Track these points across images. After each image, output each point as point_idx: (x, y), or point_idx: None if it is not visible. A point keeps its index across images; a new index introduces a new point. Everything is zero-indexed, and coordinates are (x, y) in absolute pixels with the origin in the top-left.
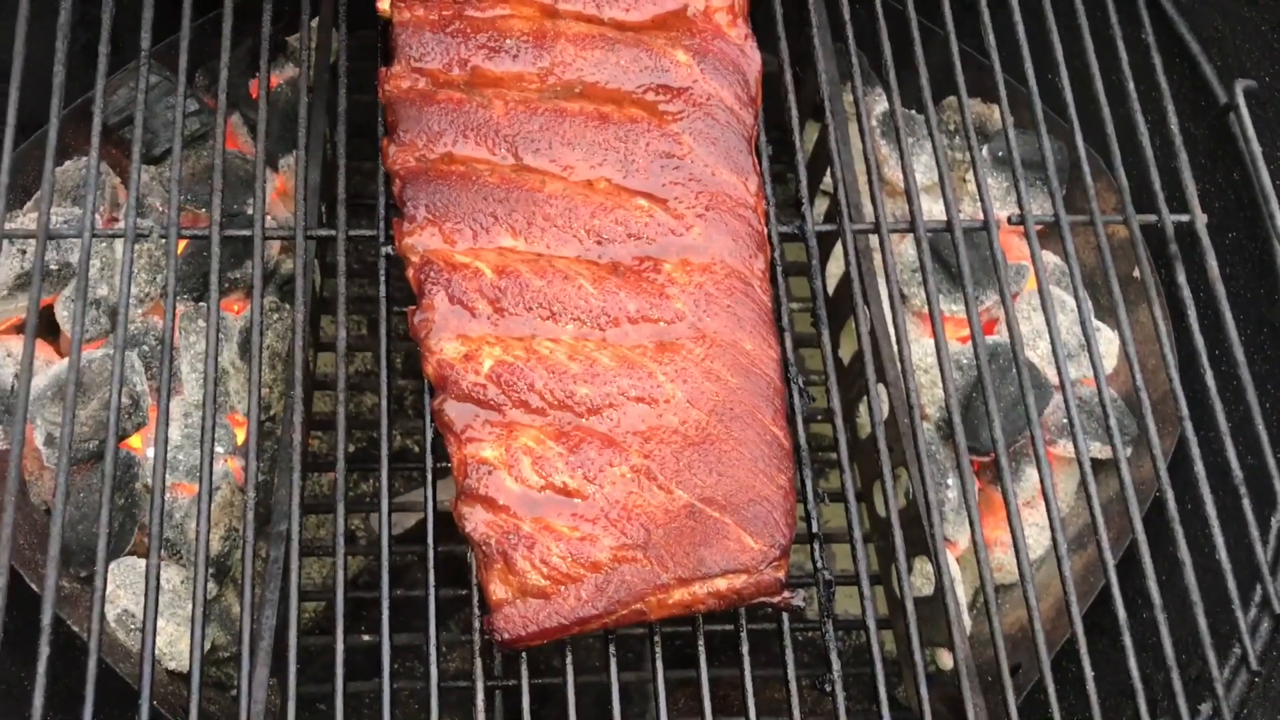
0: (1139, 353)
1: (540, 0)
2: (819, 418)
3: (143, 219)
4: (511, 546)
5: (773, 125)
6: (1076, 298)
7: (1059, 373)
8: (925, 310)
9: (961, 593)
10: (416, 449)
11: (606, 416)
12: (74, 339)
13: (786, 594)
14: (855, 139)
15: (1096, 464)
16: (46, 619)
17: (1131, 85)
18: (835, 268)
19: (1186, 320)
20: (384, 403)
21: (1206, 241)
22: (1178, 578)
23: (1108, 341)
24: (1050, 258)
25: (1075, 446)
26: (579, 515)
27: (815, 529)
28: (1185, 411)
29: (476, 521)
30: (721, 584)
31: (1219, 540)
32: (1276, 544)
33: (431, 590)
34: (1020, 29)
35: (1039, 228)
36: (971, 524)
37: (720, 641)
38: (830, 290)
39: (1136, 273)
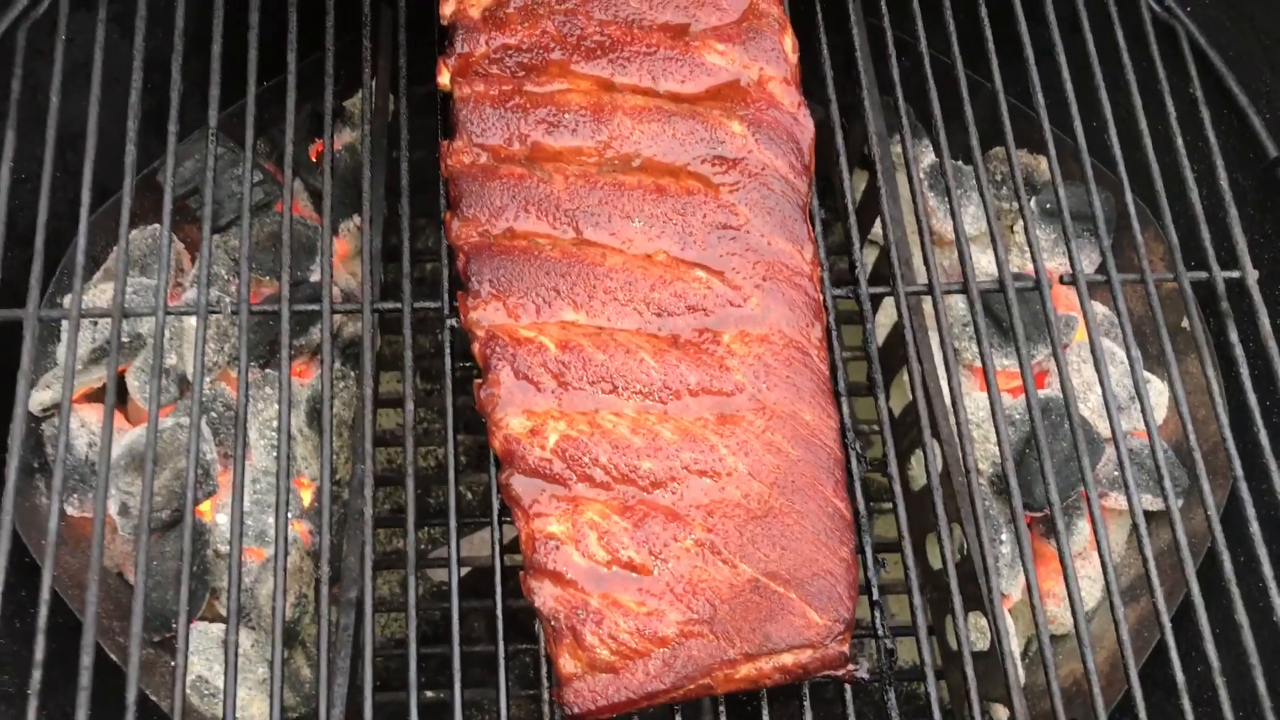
0: (1190, 404)
1: (597, 75)
2: (870, 468)
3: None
4: (580, 622)
5: (819, 174)
6: (1129, 356)
7: (1111, 426)
8: (977, 364)
9: (1016, 646)
10: (469, 495)
11: (670, 490)
12: (150, 414)
13: (851, 667)
14: (903, 190)
15: (1147, 515)
16: (132, 696)
17: (1180, 139)
18: (884, 317)
19: (1237, 374)
20: (451, 472)
21: (1258, 297)
22: (1234, 633)
23: (1158, 394)
24: (1099, 308)
25: (1129, 502)
26: (645, 590)
27: (875, 596)
28: (1239, 467)
29: (545, 596)
30: (787, 659)
31: (1276, 600)
32: None
33: (501, 647)
34: (1068, 84)
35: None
36: (1029, 587)
37: (785, 696)
38: (880, 340)
39: (1185, 323)
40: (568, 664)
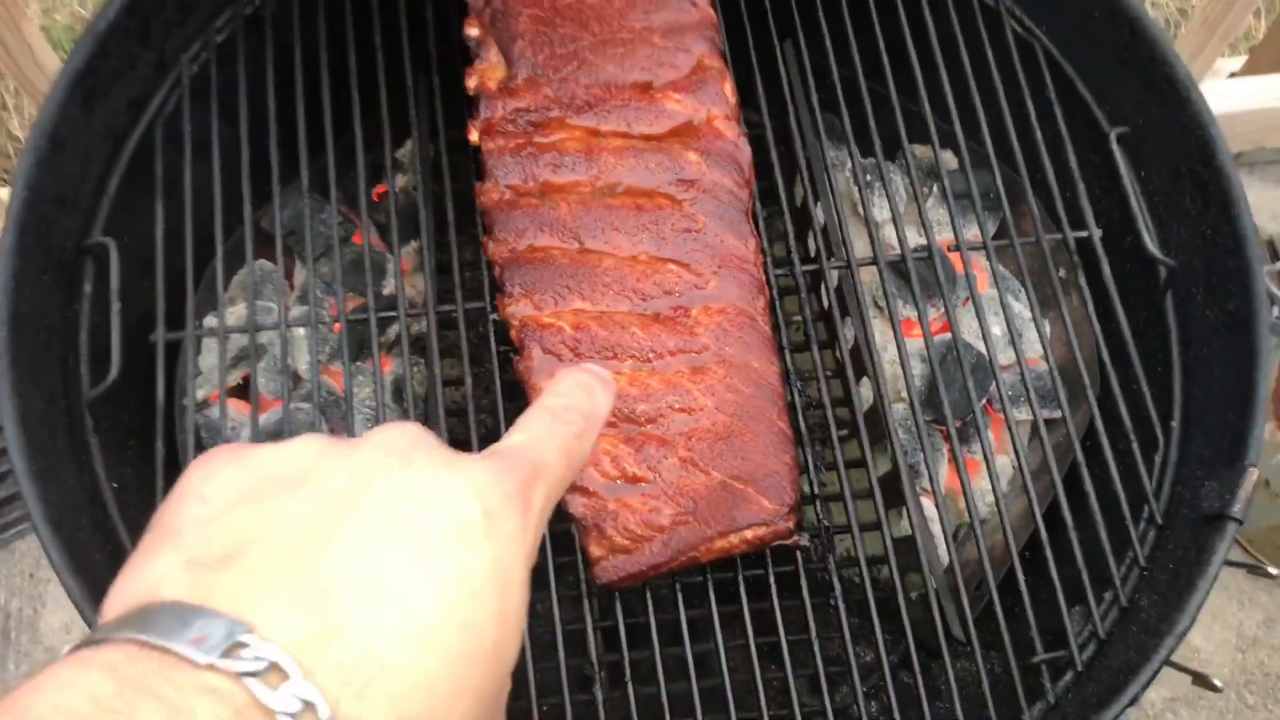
0: (1055, 339)
1: (587, 125)
2: (815, 408)
3: (305, 304)
4: (602, 520)
5: (767, 175)
6: (1002, 303)
7: (989, 359)
8: (898, 318)
9: (939, 530)
10: None
11: (659, 424)
12: (285, 402)
13: (796, 538)
14: (841, 186)
15: (1044, 425)
16: None
17: (1039, 132)
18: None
19: (1088, 314)
20: (503, 431)
21: (1100, 251)
22: (1084, 502)
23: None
24: (1001, 267)
25: (1004, 416)
26: (646, 495)
27: (816, 491)
28: (1089, 386)
29: (576, 504)
30: (749, 534)
31: (1114, 472)
32: (1159, 475)
33: (549, 557)
34: (949, 95)
35: (974, 252)
36: (931, 481)
37: (758, 584)
38: (824, 306)
39: (1063, 273)
40: (595, 550)
